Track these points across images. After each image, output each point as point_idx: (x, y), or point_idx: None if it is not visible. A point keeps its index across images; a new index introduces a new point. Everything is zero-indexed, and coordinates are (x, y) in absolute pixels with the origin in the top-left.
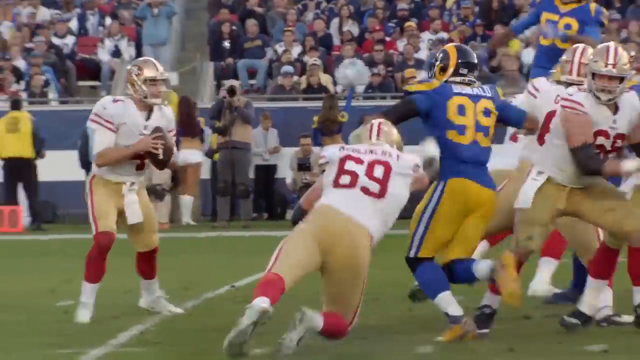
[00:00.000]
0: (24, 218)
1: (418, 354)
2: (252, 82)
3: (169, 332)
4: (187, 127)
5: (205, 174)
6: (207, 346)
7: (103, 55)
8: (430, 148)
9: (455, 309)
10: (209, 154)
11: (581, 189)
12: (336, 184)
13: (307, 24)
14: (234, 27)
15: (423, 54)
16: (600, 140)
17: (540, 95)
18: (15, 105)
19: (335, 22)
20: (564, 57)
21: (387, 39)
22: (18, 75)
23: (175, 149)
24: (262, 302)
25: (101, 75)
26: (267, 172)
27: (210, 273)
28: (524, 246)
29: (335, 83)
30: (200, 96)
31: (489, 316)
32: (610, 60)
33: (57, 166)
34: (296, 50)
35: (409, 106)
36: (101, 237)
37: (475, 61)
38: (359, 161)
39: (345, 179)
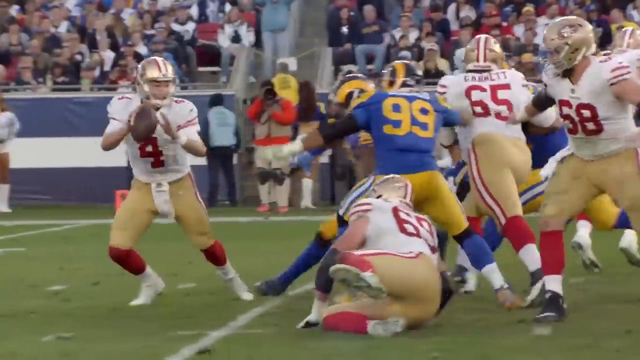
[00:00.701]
0: None
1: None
2: (370, 67)
3: (289, 314)
4: (307, 112)
5: (324, 158)
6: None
7: (223, 41)
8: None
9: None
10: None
11: (602, 161)
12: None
13: (424, 10)
14: (352, 13)
15: (540, 39)
16: (565, 110)
17: (448, 90)
18: None
19: (452, 7)
20: (468, 47)
21: (504, 24)
22: (140, 61)
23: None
24: None
25: (221, 61)
26: None
27: None
28: (540, 213)
29: (453, 68)
30: (318, 81)
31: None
32: (544, 39)
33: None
34: (413, 35)
35: (351, 122)
36: (110, 250)
37: (421, 72)
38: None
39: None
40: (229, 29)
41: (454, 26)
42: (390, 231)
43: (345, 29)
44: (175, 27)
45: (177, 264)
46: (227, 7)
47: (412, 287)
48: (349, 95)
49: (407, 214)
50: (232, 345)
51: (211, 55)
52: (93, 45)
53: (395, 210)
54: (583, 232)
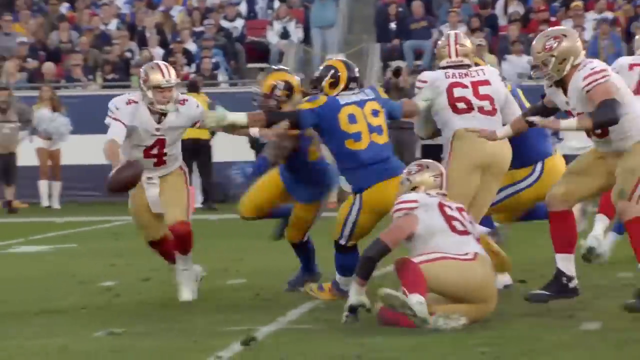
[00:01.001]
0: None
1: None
2: (418, 63)
3: (338, 310)
4: None
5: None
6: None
7: (272, 37)
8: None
9: None
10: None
11: (620, 154)
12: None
13: (472, 5)
14: (400, 9)
15: (588, 35)
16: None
17: (427, 85)
18: (193, 87)
19: (500, 2)
20: (440, 44)
21: (552, 19)
22: (189, 58)
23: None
24: None
25: (270, 58)
26: (434, 151)
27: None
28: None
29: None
30: (367, 77)
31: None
32: (531, 54)
33: (229, 147)
34: (461, 30)
35: (294, 119)
36: (150, 245)
37: (358, 75)
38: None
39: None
40: (277, 26)
41: (502, 22)
42: (441, 230)
43: (393, 25)
44: (224, 23)
45: (228, 259)
46: (276, 3)
47: (471, 290)
48: (274, 87)
49: (451, 208)
50: (282, 339)
51: (260, 52)
52: (142, 43)
53: (441, 207)
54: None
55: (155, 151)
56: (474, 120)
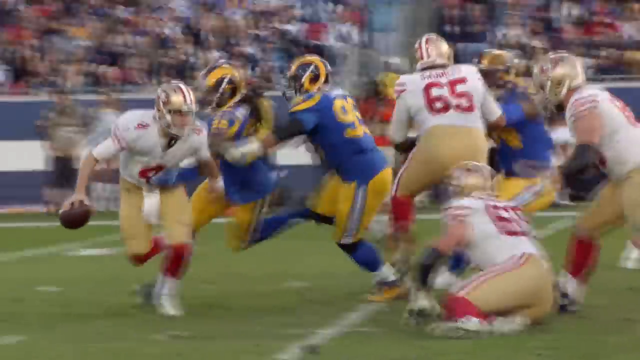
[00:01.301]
0: None
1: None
2: (481, 66)
3: (399, 313)
4: None
5: None
6: None
7: (332, 41)
8: None
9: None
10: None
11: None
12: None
13: (531, 8)
14: (459, 12)
15: None
16: None
17: (407, 88)
18: (255, 92)
19: (560, 5)
20: (415, 48)
21: (612, 21)
22: (249, 62)
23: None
24: None
25: (330, 61)
26: None
27: None
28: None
29: None
30: None
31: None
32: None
33: (289, 150)
34: (520, 33)
35: (298, 126)
36: (132, 259)
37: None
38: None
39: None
40: (338, 29)
41: (561, 24)
42: (492, 235)
43: (452, 28)
44: (284, 27)
45: (289, 261)
46: (337, 7)
47: (526, 297)
48: (219, 81)
49: (502, 209)
50: (343, 342)
51: (319, 55)
52: (202, 46)
53: (489, 209)
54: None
55: (151, 174)
56: (445, 118)
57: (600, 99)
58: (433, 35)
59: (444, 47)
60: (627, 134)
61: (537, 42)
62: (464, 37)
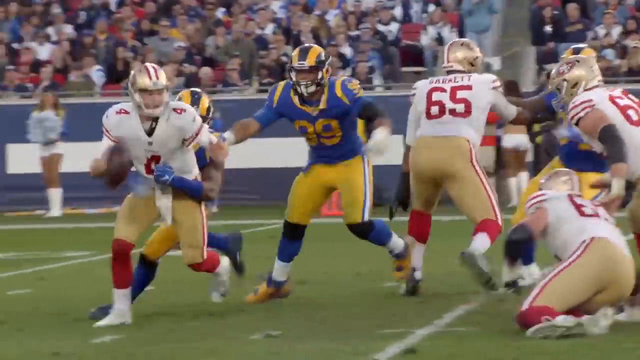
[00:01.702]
0: None
1: None
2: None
3: (493, 313)
4: None
5: (529, 156)
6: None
7: (426, 41)
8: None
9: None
10: (532, 137)
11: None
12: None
13: (628, 7)
14: (555, 12)
15: None
16: None
17: (417, 91)
18: None
19: None
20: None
21: None
22: (344, 61)
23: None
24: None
25: (424, 62)
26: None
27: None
28: None
29: None
30: (522, 81)
31: None
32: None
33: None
34: (617, 32)
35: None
36: (114, 243)
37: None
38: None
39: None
40: (432, 30)
41: None
42: (569, 217)
43: (548, 28)
44: (379, 27)
45: (382, 262)
46: (431, 7)
47: (596, 283)
48: (209, 109)
49: (582, 199)
50: (437, 342)
51: (414, 56)
52: (298, 46)
53: (570, 197)
54: None
55: (153, 167)
56: (428, 126)
57: (596, 102)
58: (460, 40)
59: (463, 53)
60: (623, 134)
61: (633, 42)
62: (560, 37)
